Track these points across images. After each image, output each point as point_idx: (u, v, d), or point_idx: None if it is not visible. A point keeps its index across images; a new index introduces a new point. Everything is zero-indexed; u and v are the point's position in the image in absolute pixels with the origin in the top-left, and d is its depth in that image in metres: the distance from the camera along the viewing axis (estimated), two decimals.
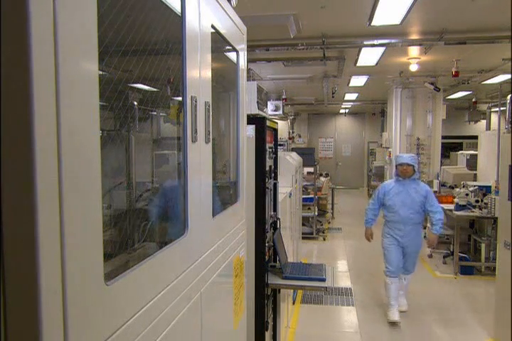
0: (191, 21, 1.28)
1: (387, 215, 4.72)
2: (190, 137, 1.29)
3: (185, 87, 1.25)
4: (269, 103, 6.85)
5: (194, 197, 1.33)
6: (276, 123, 3.38)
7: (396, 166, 4.67)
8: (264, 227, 2.81)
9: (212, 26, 1.48)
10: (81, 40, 0.73)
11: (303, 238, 6.93)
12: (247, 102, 2.52)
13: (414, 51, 6.34)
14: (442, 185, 7.97)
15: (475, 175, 8.46)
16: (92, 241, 0.76)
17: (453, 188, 7.33)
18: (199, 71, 1.36)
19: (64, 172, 0.66)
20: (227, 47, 1.86)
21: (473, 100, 11.42)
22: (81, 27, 0.73)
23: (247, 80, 2.52)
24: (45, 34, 0.63)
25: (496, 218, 5.93)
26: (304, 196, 7.47)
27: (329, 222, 9.67)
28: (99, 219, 0.78)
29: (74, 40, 0.70)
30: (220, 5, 1.61)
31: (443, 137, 9.90)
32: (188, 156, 1.29)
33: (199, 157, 1.38)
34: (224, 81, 2.07)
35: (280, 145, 7.45)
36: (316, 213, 8.29)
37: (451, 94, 10.81)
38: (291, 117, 14.14)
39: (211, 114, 1.46)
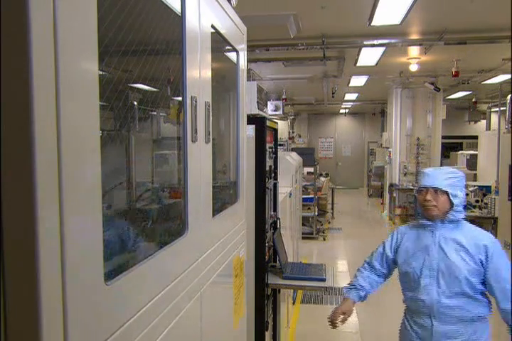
0: (191, 21, 1.28)
1: (405, 295, 2.35)
2: (190, 137, 1.29)
3: (185, 87, 1.25)
4: (269, 103, 6.85)
5: (194, 197, 1.33)
6: (276, 123, 3.38)
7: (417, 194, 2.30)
8: (264, 227, 2.81)
9: (212, 26, 1.48)
10: (81, 40, 0.73)
11: (303, 238, 6.93)
12: (247, 102, 2.52)
13: (414, 51, 6.34)
14: None
15: (475, 175, 8.47)
16: (92, 241, 0.76)
17: None
18: (199, 71, 1.36)
19: (64, 172, 0.66)
20: (227, 47, 1.86)
21: (473, 100, 11.43)
22: (81, 27, 0.73)
23: (247, 80, 2.52)
24: (45, 34, 0.63)
25: (496, 218, 5.94)
26: (304, 196, 7.47)
27: (329, 222, 9.67)
28: (99, 219, 0.78)
29: (74, 40, 0.70)
30: (220, 5, 1.61)
31: (443, 137, 9.92)
32: (188, 156, 1.29)
33: (199, 157, 1.38)
34: (224, 81, 2.07)
35: (280, 145, 7.46)
36: (316, 213, 8.29)
37: (451, 94, 10.82)
38: (291, 117, 14.15)
39: (211, 114, 1.46)
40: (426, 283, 2.18)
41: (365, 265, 2.48)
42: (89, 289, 0.75)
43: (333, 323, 2.35)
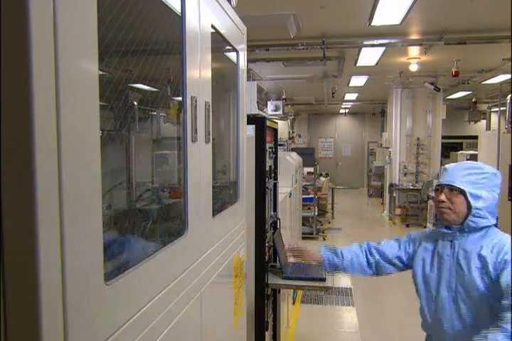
0: (191, 21, 1.28)
1: (421, 318, 1.97)
2: (190, 137, 1.29)
3: (185, 87, 1.25)
4: (269, 103, 6.85)
5: (194, 197, 1.33)
6: (276, 123, 3.38)
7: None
8: (264, 227, 2.81)
9: (212, 26, 1.48)
10: (81, 40, 0.73)
11: (303, 238, 6.93)
12: (247, 102, 2.52)
13: (414, 51, 6.34)
14: None
15: None
16: (92, 241, 0.76)
17: None
18: (199, 71, 1.36)
19: (64, 172, 0.66)
20: (227, 47, 1.86)
21: (473, 100, 11.44)
22: (81, 27, 0.73)
23: (247, 80, 2.52)
24: (45, 34, 0.63)
25: (496, 218, 5.93)
26: (304, 196, 7.47)
27: (329, 222, 9.67)
28: (99, 219, 0.78)
29: (74, 40, 0.70)
30: (220, 5, 1.61)
31: (443, 137, 9.92)
32: (188, 156, 1.29)
33: (199, 157, 1.38)
34: (224, 81, 2.07)
35: (280, 145, 7.45)
36: (316, 213, 8.28)
37: (451, 94, 10.82)
38: (291, 117, 14.15)
39: (211, 114, 1.46)
40: (445, 307, 1.79)
41: (364, 246, 2.12)
42: (89, 289, 0.75)
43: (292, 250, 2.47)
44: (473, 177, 1.75)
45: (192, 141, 1.30)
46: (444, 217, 1.81)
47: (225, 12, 1.69)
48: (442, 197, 1.79)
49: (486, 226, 1.79)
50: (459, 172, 1.77)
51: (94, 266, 0.77)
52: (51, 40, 0.64)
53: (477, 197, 1.73)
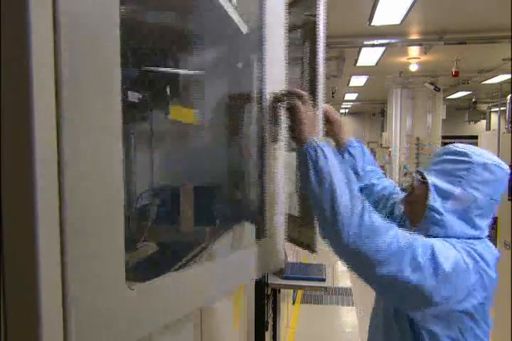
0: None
1: None
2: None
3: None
4: None
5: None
6: None
7: None
8: None
9: None
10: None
11: None
12: None
13: (414, 51, 6.35)
14: None
15: None
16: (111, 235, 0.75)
17: None
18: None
19: (65, 171, 0.66)
20: None
21: (473, 100, 11.44)
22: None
23: None
24: (45, 34, 0.63)
25: (496, 218, 5.93)
26: None
27: None
28: (120, 212, 0.72)
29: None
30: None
31: (443, 137, 9.91)
32: None
33: None
34: None
35: None
36: None
37: (451, 94, 10.82)
38: None
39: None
40: None
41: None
42: (108, 294, 0.74)
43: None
44: (450, 165, 1.23)
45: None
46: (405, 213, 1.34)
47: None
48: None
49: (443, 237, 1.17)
50: (436, 158, 1.30)
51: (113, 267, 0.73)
52: (51, 40, 0.64)
53: (444, 194, 1.19)
